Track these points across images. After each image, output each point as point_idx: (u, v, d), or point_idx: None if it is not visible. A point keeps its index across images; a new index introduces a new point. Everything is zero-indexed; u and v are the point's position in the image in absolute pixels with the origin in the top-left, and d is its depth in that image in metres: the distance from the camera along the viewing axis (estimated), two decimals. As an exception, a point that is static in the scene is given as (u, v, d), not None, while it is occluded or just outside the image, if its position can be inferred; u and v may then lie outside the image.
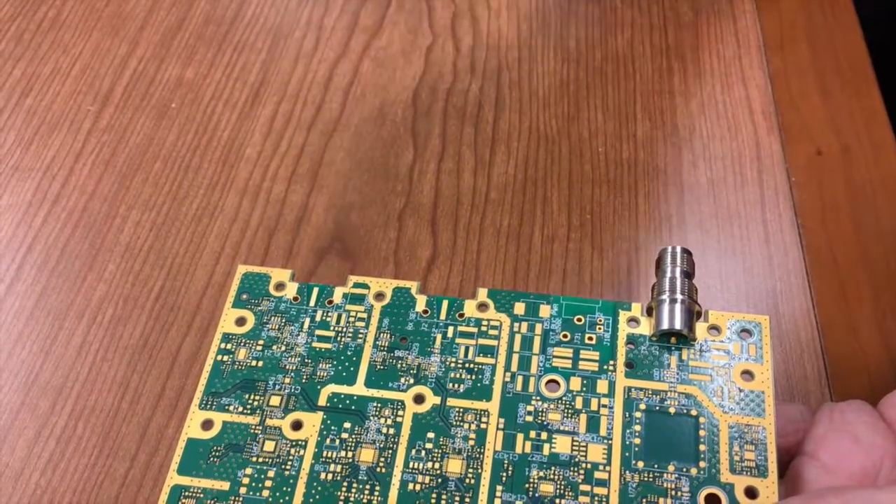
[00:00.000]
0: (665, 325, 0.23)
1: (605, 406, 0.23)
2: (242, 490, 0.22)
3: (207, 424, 0.23)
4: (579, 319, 0.24)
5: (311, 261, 0.31)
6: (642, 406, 0.23)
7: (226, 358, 0.24)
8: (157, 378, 0.29)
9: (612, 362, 0.23)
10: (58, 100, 0.37)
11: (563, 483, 0.22)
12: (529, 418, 0.23)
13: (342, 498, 0.22)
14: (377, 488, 0.22)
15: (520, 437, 0.22)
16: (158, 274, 0.31)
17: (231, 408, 0.23)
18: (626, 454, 0.22)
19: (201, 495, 0.22)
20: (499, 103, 0.36)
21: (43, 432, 0.28)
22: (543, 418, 0.23)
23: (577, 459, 0.22)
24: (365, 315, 0.25)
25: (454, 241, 0.32)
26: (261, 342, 0.24)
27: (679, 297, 0.23)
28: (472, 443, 0.22)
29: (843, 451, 0.22)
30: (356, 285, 0.25)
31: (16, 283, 0.31)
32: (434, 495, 0.22)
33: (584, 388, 0.23)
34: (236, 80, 0.37)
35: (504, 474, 0.22)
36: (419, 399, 0.23)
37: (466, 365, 0.24)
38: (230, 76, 0.38)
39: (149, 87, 0.37)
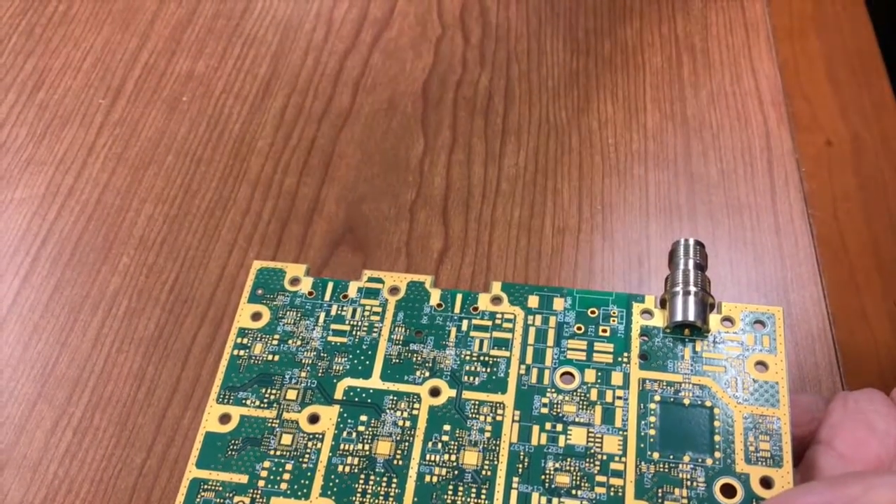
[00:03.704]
0: (679, 317, 0.23)
1: (619, 398, 0.23)
2: (261, 483, 0.22)
3: (225, 418, 0.23)
4: (593, 312, 0.24)
5: (324, 253, 0.32)
6: (657, 397, 0.23)
7: (242, 353, 0.24)
8: (172, 369, 0.29)
9: (626, 354, 0.23)
10: (69, 94, 0.37)
11: (578, 474, 0.22)
12: (545, 410, 0.23)
13: (360, 490, 0.22)
14: (394, 480, 0.22)
15: (535, 428, 0.23)
16: (172, 266, 0.31)
17: (248, 402, 0.24)
18: (642, 445, 0.22)
19: (220, 488, 0.22)
20: (508, 94, 0.36)
21: (60, 423, 0.28)
22: (559, 410, 0.23)
23: (592, 451, 0.22)
24: (380, 309, 0.25)
25: (466, 233, 0.32)
26: (276, 337, 0.25)
27: (692, 289, 0.23)
28: (487, 435, 0.23)
29: (858, 439, 0.22)
30: (371, 279, 0.25)
31: (31, 276, 0.31)
32: (451, 487, 0.22)
33: (599, 380, 0.23)
34: (247, 73, 0.38)
35: (520, 466, 0.22)
36: (435, 392, 0.23)
37: (481, 358, 0.24)
38: (241, 69, 0.38)
39: (160, 80, 0.37)
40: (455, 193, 0.33)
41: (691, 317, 0.23)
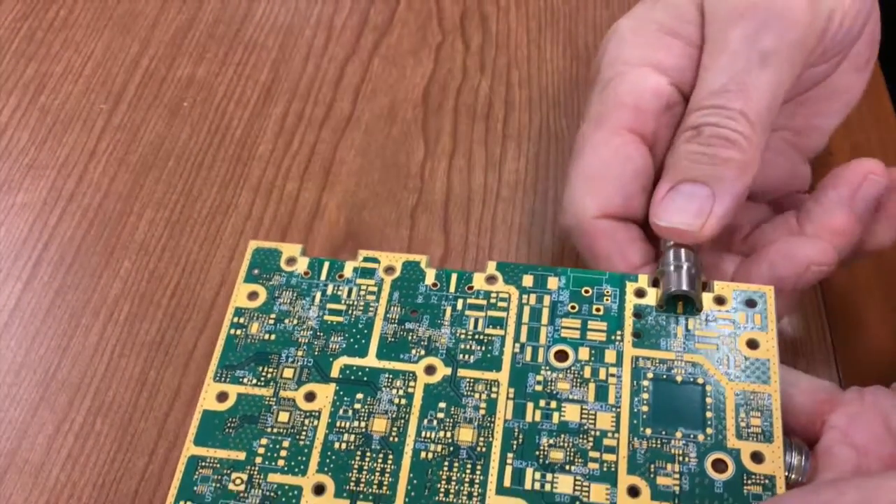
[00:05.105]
0: (673, 287, 0.23)
1: (613, 375, 0.23)
2: (258, 460, 0.22)
3: (222, 397, 0.23)
4: (587, 291, 0.24)
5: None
6: (650, 375, 0.23)
7: (239, 332, 0.24)
8: (173, 374, 0.29)
9: (619, 332, 0.24)
10: (71, 98, 0.37)
11: (572, 450, 0.22)
12: (539, 388, 0.23)
13: (356, 467, 0.22)
14: (390, 457, 0.22)
15: (530, 405, 0.23)
16: (173, 271, 0.32)
17: (245, 380, 0.24)
18: (634, 422, 0.22)
19: (217, 465, 0.22)
20: (508, 101, 0.36)
21: (62, 428, 0.28)
22: (553, 387, 0.23)
23: (586, 427, 0.22)
24: (375, 288, 0.25)
25: (466, 239, 0.32)
26: (273, 316, 0.25)
27: (685, 264, 0.24)
28: (482, 412, 0.23)
29: (876, 434, 0.22)
30: (366, 259, 0.25)
31: (32, 281, 0.31)
32: (446, 464, 0.22)
33: (593, 358, 0.23)
34: (248, 79, 0.38)
35: (514, 442, 0.22)
36: (430, 370, 0.23)
37: (476, 336, 0.24)
38: (241, 75, 0.38)
39: (161, 85, 0.38)
40: (455, 199, 0.33)
41: (685, 286, 0.23)
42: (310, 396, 0.23)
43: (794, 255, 0.24)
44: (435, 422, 0.23)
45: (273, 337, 0.24)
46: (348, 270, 0.25)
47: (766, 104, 0.24)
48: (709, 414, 0.22)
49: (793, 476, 0.22)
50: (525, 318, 0.24)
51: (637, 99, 0.26)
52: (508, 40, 0.39)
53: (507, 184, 0.34)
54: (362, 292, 0.25)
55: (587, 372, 0.23)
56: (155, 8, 0.40)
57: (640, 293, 0.24)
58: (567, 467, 0.22)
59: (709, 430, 0.22)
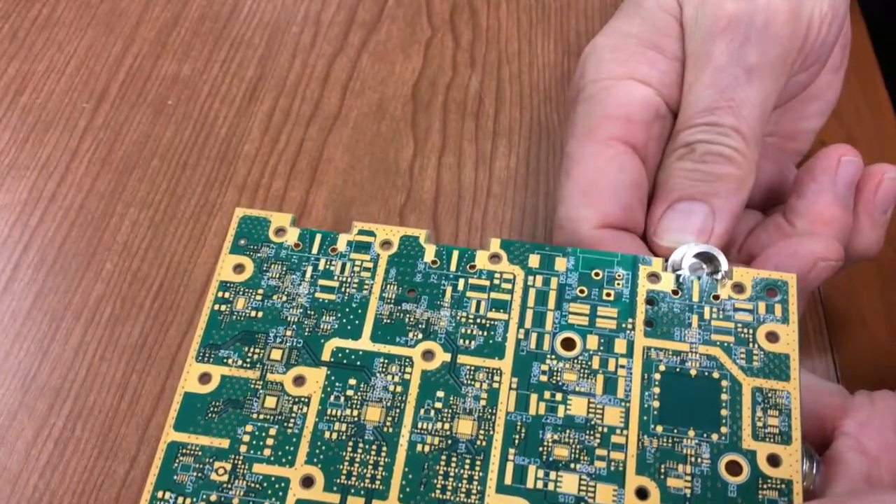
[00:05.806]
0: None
1: (622, 366, 0.22)
2: (243, 448, 0.21)
3: (205, 378, 0.22)
4: (597, 274, 0.23)
5: (312, 258, 0.31)
6: (662, 367, 0.22)
7: (223, 308, 0.23)
8: (156, 378, 0.28)
9: (630, 320, 0.22)
10: (53, 97, 0.36)
11: (578, 447, 0.21)
12: (544, 378, 0.22)
13: (347, 458, 0.21)
14: (384, 449, 0.21)
15: (533, 397, 0.21)
16: (157, 272, 0.31)
17: (230, 361, 0.22)
18: (645, 418, 0.21)
19: (199, 453, 0.21)
20: (499, 97, 0.36)
21: (41, 434, 0.27)
22: (558, 378, 0.22)
23: (593, 422, 0.21)
24: (371, 265, 0.23)
25: (456, 237, 0.32)
26: (260, 291, 0.23)
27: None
28: (483, 403, 0.21)
29: (888, 441, 0.21)
30: (361, 232, 0.24)
31: (12, 282, 0.31)
32: (444, 458, 0.21)
33: (602, 347, 0.22)
34: (233, 76, 0.37)
35: (517, 437, 0.21)
36: (428, 355, 0.22)
37: (478, 320, 0.22)
38: (227, 72, 0.37)
39: (145, 83, 0.37)
40: (445, 197, 0.33)
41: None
42: (299, 381, 0.22)
43: (799, 252, 0.24)
44: (432, 412, 0.21)
45: (260, 314, 0.23)
46: (342, 244, 0.24)
47: (756, 118, 0.24)
48: (724, 412, 0.21)
49: (804, 483, 0.21)
50: (530, 302, 0.23)
51: (626, 110, 0.25)
52: (499, 35, 0.38)
53: (497, 180, 0.33)
54: (356, 268, 0.23)
55: (595, 362, 0.22)
56: (139, 5, 0.40)
57: (653, 277, 0.23)
58: (572, 465, 0.20)
59: (723, 430, 0.21)
